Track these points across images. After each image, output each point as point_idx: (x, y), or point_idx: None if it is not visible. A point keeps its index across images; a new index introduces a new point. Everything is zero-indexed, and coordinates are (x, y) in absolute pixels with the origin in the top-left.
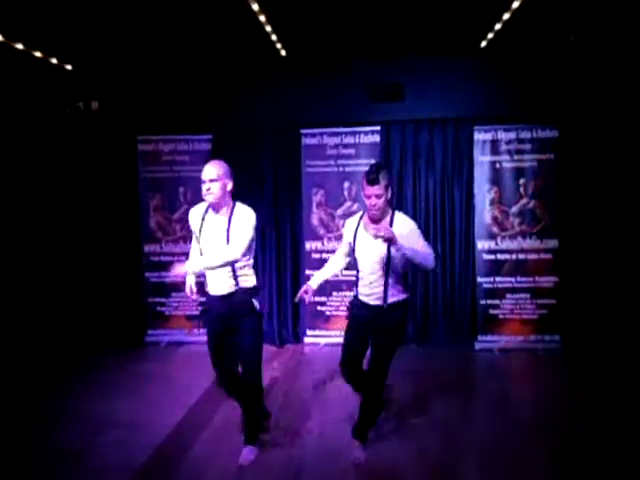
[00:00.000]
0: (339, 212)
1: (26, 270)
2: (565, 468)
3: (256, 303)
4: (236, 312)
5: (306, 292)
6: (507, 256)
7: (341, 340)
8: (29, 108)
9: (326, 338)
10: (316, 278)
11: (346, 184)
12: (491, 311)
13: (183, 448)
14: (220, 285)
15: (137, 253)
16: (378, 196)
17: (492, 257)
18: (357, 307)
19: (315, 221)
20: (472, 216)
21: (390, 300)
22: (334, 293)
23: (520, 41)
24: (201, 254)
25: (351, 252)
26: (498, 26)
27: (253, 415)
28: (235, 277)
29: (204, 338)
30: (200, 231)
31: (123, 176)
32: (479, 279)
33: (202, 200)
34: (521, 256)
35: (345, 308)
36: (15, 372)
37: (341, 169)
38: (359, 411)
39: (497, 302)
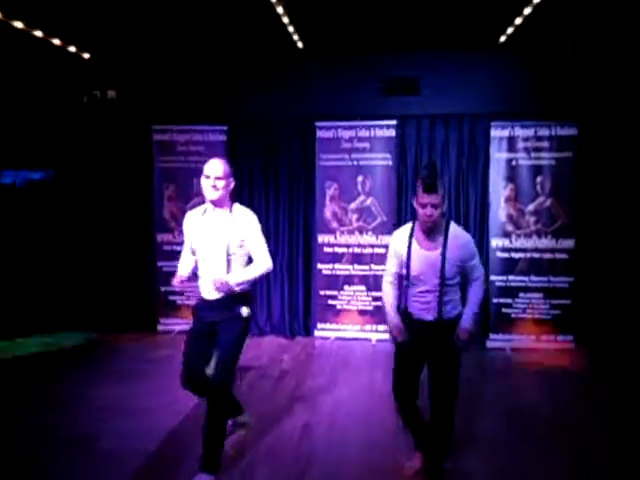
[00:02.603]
0: (352, 206)
1: (39, 257)
2: (577, 472)
3: (244, 311)
4: (221, 317)
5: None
6: (521, 255)
7: (352, 335)
8: (46, 95)
9: (336, 332)
10: (390, 311)
11: (360, 178)
12: (504, 310)
13: (193, 435)
14: (212, 289)
15: (150, 242)
16: (435, 206)
17: (506, 255)
18: (411, 324)
19: (328, 214)
20: (487, 213)
21: (447, 315)
22: (345, 287)
23: (540, 36)
24: (193, 255)
25: (404, 268)
26: (519, 20)
27: (216, 430)
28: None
29: None
30: (197, 234)
31: (138, 165)
32: (492, 277)
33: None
34: (536, 255)
35: (356, 302)
36: (27, 358)
37: (355, 163)
38: (428, 449)
39: (510, 301)
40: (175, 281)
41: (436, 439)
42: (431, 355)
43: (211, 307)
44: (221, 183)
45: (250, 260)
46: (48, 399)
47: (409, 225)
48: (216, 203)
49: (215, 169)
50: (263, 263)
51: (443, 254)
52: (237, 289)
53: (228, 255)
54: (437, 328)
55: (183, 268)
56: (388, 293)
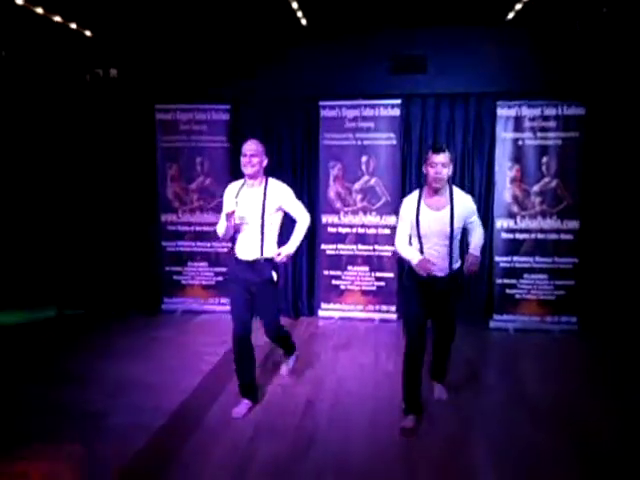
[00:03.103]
0: (356, 186)
1: (46, 237)
2: (580, 451)
3: (274, 275)
4: (255, 278)
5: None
6: (526, 235)
7: (355, 315)
8: (48, 74)
9: (340, 312)
10: (415, 254)
11: (364, 158)
12: (508, 290)
13: (198, 413)
14: (247, 251)
15: (154, 222)
16: (444, 165)
17: (511, 236)
18: (424, 281)
19: (332, 195)
20: (492, 194)
21: (453, 268)
22: (349, 267)
23: (549, 13)
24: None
25: (414, 229)
26: None
27: (282, 346)
28: (262, 246)
29: (219, 307)
30: (236, 203)
31: (141, 145)
32: (497, 258)
33: (220, 170)
34: (540, 236)
35: (359, 282)
36: (35, 336)
37: (359, 142)
38: (435, 361)
39: (514, 282)
40: (229, 215)
41: (444, 356)
42: (437, 302)
43: (248, 267)
44: (256, 159)
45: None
46: (55, 375)
47: (416, 191)
48: (252, 176)
49: (250, 148)
50: (305, 219)
51: (451, 212)
52: (271, 255)
53: (263, 219)
54: (444, 281)
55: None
56: (404, 245)
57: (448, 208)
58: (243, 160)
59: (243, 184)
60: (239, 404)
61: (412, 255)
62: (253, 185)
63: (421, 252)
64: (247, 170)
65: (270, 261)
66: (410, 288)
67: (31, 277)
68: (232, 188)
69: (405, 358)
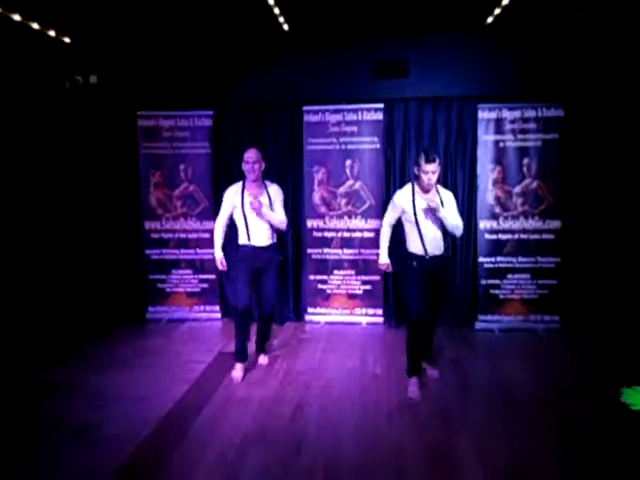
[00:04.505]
0: (341, 190)
1: (28, 247)
2: (563, 448)
3: (281, 257)
4: (267, 259)
5: (388, 268)
6: (509, 236)
7: (342, 319)
8: (26, 81)
9: (326, 316)
10: (384, 252)
11: (348, 162)
12: (492, 291)
13: (186, 421)
14: (260, 239)
15: (138, 230)
16: (434, 172)
17: (494, 237)
18: (426, 262)
19: (317, 199)
20: (475, 196)
21: (446, 247)
22: (335, 271)
23: (527, 17)
24: (245, 221)
25: (412, 217)
26: (505, 1)
27: (267, 332)
28: (272, 234)
29: (205, 315)
30: (242, 204)
31: (123, 152)
32: (480, 259)
33: (204, 177)
34: (523, 236)
35: (345, 286)
36: (19, 347)
37: (343, 147)
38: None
39: (498, 282)
40: (221, 266)
41: (431, 332)
42: (433, 281)
43: (262, 251)
44: (257, 165)
45: None
46: (42, 387)
47: (409, 186)
48: (254, 179)
49: (252, 156)
50: (282, 217)
51: (441, 203)
52: (276, 240)
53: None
54: (440, 259)
55: (219, 246)
56: (386, 233)
57: (438, 199)
58: (246, 166)
59: (243, 188)
60: (234, 369)
61: (382, 252)
62: (254, 188)
63: (420, 236)
64: (251, 176)
65: (276, 246)
66: (412, 271)
67: (13, 286)
68: (232, 191)
69: (409, 333)
